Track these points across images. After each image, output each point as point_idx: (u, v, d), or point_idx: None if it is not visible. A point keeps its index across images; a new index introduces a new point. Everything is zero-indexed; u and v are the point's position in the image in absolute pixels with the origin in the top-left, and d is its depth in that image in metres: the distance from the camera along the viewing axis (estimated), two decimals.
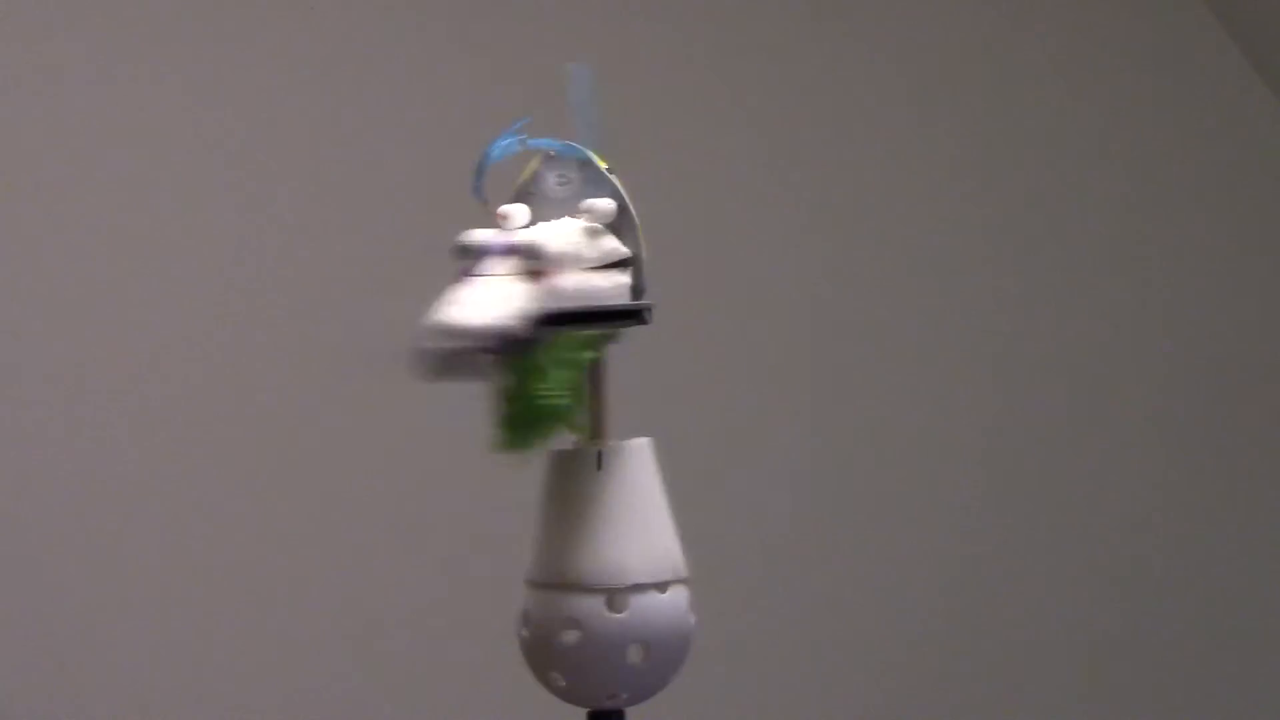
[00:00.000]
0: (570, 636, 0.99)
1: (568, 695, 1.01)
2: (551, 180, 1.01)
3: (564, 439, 1.01)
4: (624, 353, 1.04)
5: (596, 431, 1.03)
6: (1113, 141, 2.40)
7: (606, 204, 0.99)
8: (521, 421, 0.95)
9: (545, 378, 0.95)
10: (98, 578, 1.90)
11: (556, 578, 1.00)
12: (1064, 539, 2.36)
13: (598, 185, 1.00)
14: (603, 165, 1.01)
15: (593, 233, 0.98)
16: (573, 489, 1.01)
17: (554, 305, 0.95)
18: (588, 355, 0.98)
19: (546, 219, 1.00)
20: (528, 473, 1.02)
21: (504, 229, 0.98)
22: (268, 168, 2.00)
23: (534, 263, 0.94)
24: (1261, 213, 2.46)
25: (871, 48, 2.30)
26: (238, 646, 1.97)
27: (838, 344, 2.27)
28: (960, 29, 2.34)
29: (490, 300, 0.91)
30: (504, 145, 0.98)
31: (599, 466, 1.01)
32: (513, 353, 0.94)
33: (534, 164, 1.01)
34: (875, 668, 2.27)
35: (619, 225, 1.00)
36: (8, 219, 1.90)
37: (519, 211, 0.99)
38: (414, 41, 2.08)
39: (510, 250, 0.94)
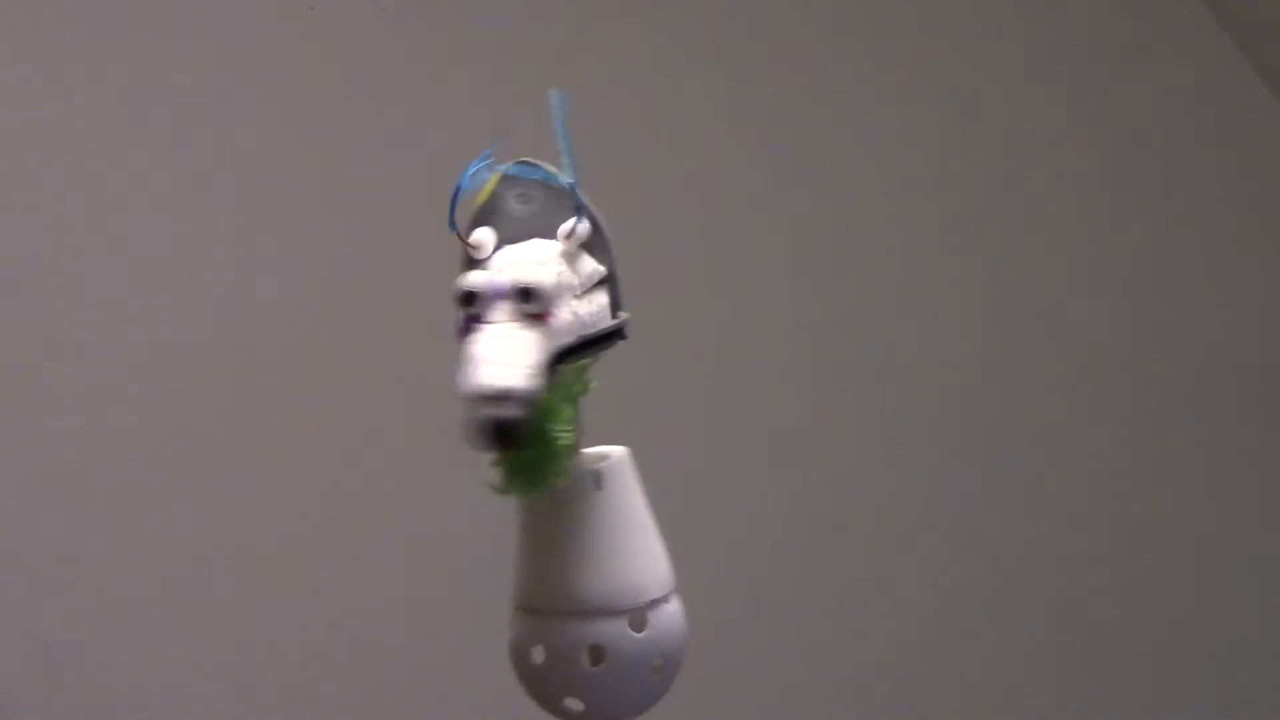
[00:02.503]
0: (593, 661, 0.98)
1: (582, 718, 0.99)
2: (511, 199, 0.97)
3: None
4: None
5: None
6: (1112, 141, 2.37)
7: (584, 226, 0.96)
8: (539, 463, 0.92)
9: (559, 416, 0.92)
10: (98, 577, 1.84)
11: (574, 604, 0.98)
12: (1066, 557, 2.34)
13: (562, 201, 0.97)
14: (570, 182, 0.97)
15: (572, 257, 0.95)
16: (572, 512, 0.99)
17: (559, 343, 0.92)
18: (587, 385, 0.95)
19: (511, 239, 0.96)
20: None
21: (477, 258, 0.94)
22: (267, 168, 1.92)
23: (535, 305, 0.90)
24: (1261, 213, 2.44)
25: (866, 47, 2.25)
26: (238, 647, 1.91)
27: (831, 344, 2.23)
28: (956, 28, 2.30)
29: (512, 355, 0.88)
30: (472, 174, 0.94)
31: (598, 487, 0.99)
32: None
33: (490, 184, 0.97)
34: (867, 675, 2.25)
35: (591, 243, 0.97)
36: (7, 220, 1.81)
37: (487, 237, 0.95)
38: (419, 45, 2.01)
39: (512, 293, 0.90)
